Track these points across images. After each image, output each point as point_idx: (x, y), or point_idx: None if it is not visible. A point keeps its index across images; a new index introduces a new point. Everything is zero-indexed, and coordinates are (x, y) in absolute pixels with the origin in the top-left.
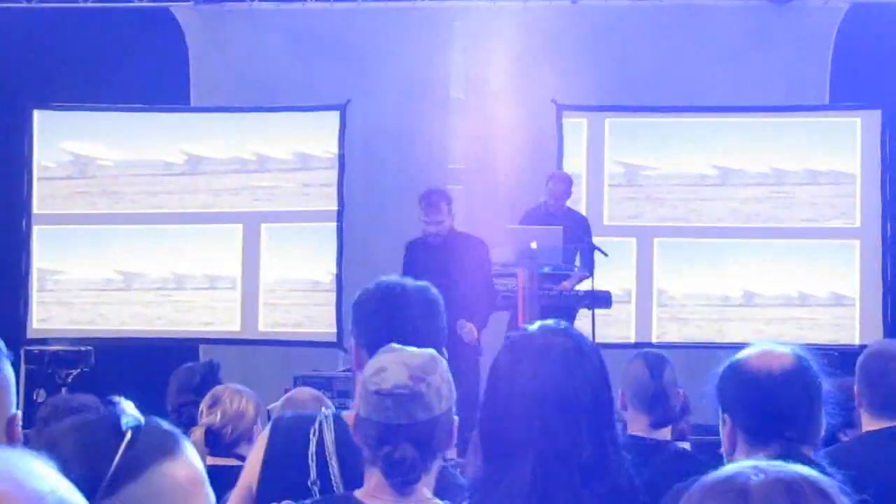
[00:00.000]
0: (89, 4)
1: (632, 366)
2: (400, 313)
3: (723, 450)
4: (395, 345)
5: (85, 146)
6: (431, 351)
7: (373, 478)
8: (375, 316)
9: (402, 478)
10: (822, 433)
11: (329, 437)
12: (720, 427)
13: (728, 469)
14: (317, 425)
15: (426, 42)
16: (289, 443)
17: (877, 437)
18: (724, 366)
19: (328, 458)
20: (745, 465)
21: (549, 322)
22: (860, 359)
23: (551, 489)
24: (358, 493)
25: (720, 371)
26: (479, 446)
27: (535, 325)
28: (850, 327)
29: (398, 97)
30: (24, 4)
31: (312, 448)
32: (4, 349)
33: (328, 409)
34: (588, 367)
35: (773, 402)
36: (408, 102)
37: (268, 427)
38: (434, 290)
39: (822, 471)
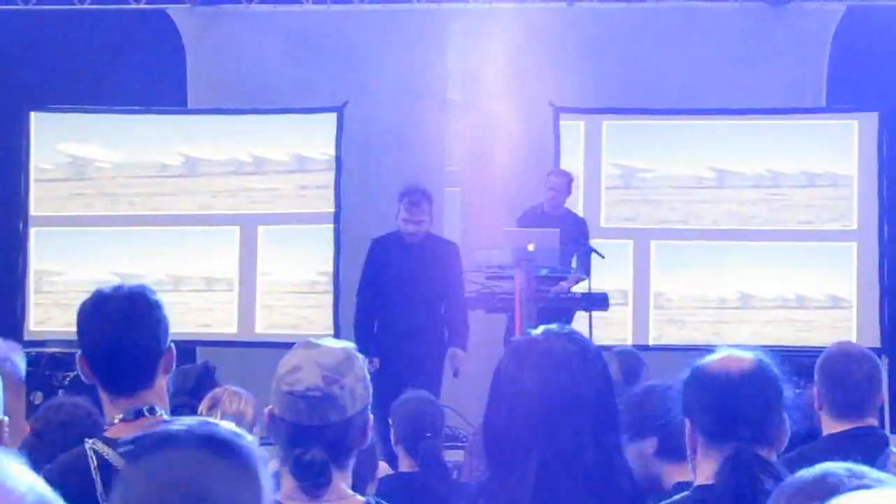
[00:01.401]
0: (86, 6)
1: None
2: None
3: (688, 454)
4: (312, 339)
5: (82, 148)
6: (348, 347)
7: (287, 479)
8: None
9: (311, 480)
10: (785, 438)
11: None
12: (685, 431)
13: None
14: (88, 450)
15: (423, 44)
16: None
17: (837, 439)
18: (687, 371)
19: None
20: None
21: (553, 326)
22: (820, 360)
23: (556, 493)
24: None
25: (683, 376)
26: (482, 449)
27: (539, 330)
28: (847, 330)
29: (395, 99)
30: (21, 6)
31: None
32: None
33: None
34: (592, 370)
35: (729, 402)
36: (405, 104)
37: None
38: (152, 297)
39: (777, 472)
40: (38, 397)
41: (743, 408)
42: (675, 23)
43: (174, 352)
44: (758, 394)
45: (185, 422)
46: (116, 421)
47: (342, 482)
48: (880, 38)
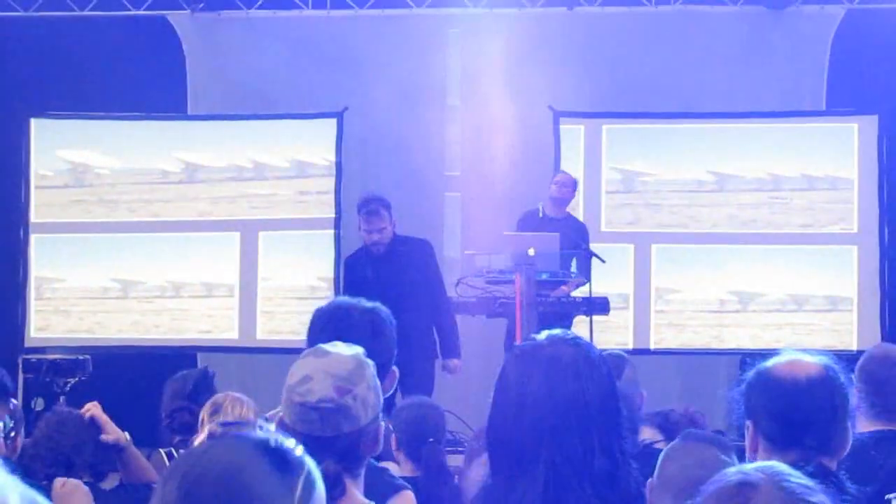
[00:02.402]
0: (86, 13)
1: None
2: (343, 335)
3: (746, 455)
4: (322, 346)
5: (82, 155)
6: (357, 353)
7: None
8: (321, 336)
9: (326, 492)
10: (848, 446)
11: None
12: (745, 433)
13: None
14: None
15: (423, 49)
16: None
17: (867, 437)
18: (752, 372)
19: None
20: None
21: (557, 331)
22: (861, 361)
23: (563, 498)
24: None
25: (748, 377)
26: (486, 455)
27: (543, 335)
28: (848, 333)
29: (395, 104)
30: (21, 13)
31: None
32: None
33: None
34: (597, 376)
35: (794, 408)
36: (404, 110)
37: None
38: (384, 311)
39: (839, 482)
40: (38, 404)
41: (810, 415)
42: (674, 27)
43: (395, 375)
44: (825, 402)
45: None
46: None
47: (355, 490)
48: (880, 42)
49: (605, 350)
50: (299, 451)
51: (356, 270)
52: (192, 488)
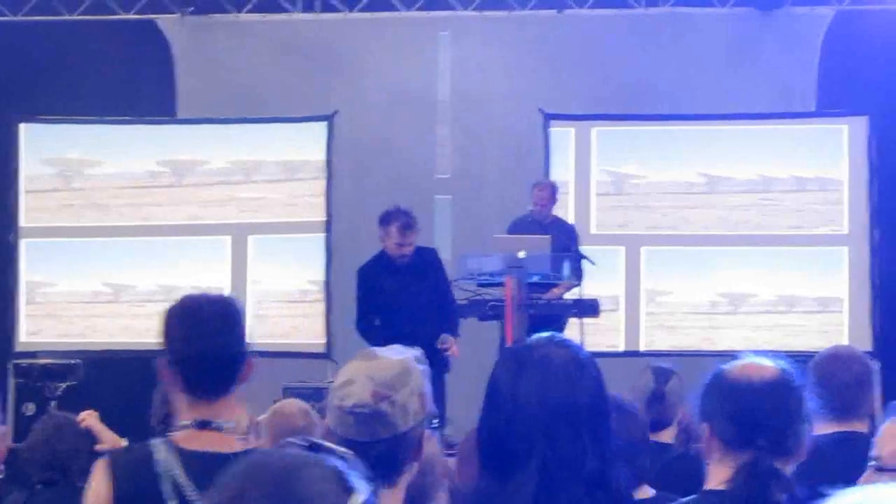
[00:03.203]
0: (75, 17)
1: (641, 375)
2: (193, 330)
3: (705, 458)
4: (373, 349)
5: (72, 159)
6: (406, 358)
7: None
8: (175, 333)
9: None
10: (804, 448)
11: (173, 463)
12: (702, 435)
13: None
14: (153, 452)
15: (413, 52)
16: (137, 474)
17: (821, 441)
18: (709, 376)
19: (181, 486)
20: None
21: (546, 334)
22: (812, 362)
23: (555, 499)
24: None
25: (705, 381)
26: (475, 458)
27: (533, 337)
28: (839, 334)
29: (385, 107)
30: (10, 17)
31: (159, 472)
32: None
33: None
34: (588, 377)
35: (748, 410)
36: (395, 112)
37: (103, 466)
38: (236, 301)
39: (790, 485)
40: (29, 408)
41: (763, 417)
42: (664, 29)
43: (253, 362)
44: (779, 404)
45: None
46: (189, 425)
47: (391, 499)
48: (869, 43)
49: (655, 364)
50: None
51: (372, 280)
52: (250, 483)
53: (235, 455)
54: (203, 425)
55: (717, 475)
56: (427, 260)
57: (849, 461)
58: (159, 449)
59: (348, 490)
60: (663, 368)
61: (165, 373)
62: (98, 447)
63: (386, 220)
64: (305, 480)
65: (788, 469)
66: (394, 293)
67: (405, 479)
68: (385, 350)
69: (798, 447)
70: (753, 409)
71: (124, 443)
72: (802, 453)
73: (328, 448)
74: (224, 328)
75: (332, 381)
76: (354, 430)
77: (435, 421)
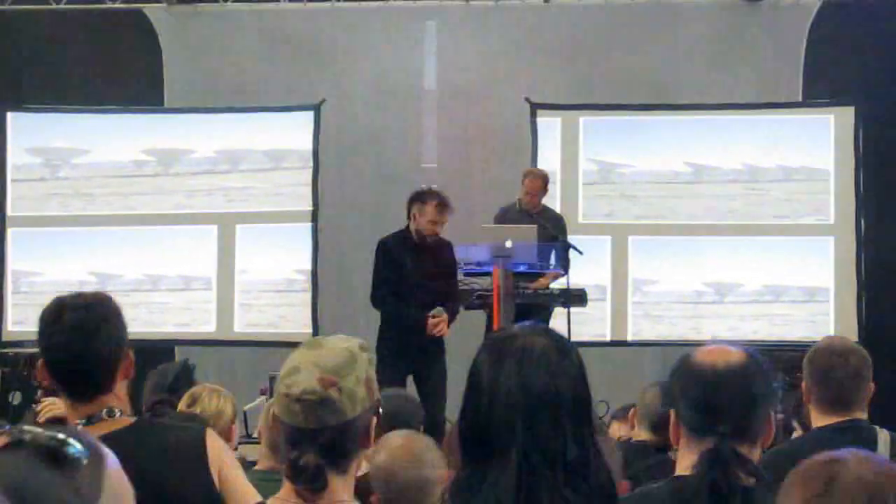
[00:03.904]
0: (62, 7)
1: (647, 392)
2: (58, 335)
3: (672, 443)
4: (319, 337)
5: (58, 148)
6: (352, 345)
7: (285, 482)
8: (47, 337)
9: (305, 484)
10: (771, 434)
11: None
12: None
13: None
14: None
15: (400, 41)
16: None
17: (827, 432)
18: (676, 362)
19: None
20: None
21: (528, 322)
22: (808, 355)
23: (537, 487)
24: (271, 500)
25: (672, 367)
26: (457, 447)
27: (515, 326)
28: (825, 323)
29: (372, 97)
30: None
31: None
32: None
33: None
34: (569, 366)
35: (711, 396)
36: (381, 102)
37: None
38: (106, 300)
39: (755, 469)
40: (16, 398)
41: (725, 402)
42: (651, 19)
43: (132, 357)
44: (742, 389)
45: (33, 430)
46: (78, 425)
47: (342, 486)
48: (855, 33)
49: (664, 381)
50: (79, 442)
51: (393, 255)
52: None
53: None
54: (95, 419)
55: (684, 461)
56: (445, 248)
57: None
58: None
59: (73, 470)
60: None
61: (42, 371)
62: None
63: (421, 197)
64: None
65: (755, 454)
66: (410, 271)
67: (354, 467)
68: (331, 338)
69: (765, 432)
70: (716, 395)
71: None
72: (770, 438)
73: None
74: (83, 334)
75: (282, 372)
76: (302, 418)
77: None
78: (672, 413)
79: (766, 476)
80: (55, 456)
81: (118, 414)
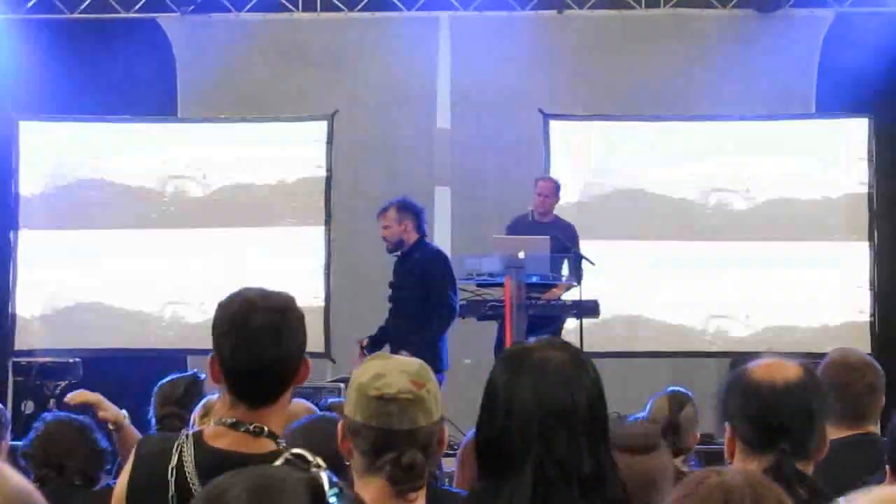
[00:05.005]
0: (76, 15)
1: (656, 400)
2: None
3: (725, 457)
4: (383, 353)
5: (72, 157)
6: (419, 360)
7: (371, 486)
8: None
9: (410, 483)
10: (825, 449)
11: (188, 455)
12: (724, 435)
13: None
14: (177, 443)
15: (413, 52)
16: (154, 462)
17: (838, 445)
18: (731, 375)
19: (188, 476)
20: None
21: (545, 336)
22: (820, 368)
23: (552, 502)
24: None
25: (727, 380)
26: (472, 460)
27: (531, 339)
28: (837, 334)
29: (385, 107)
30: (11, 15)
31: (172, 463)
32: None
33: (187, 430)
34: (586, 379)
35: (771, 412)
36: (395, 112)
37: (135, 447)
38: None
39: (816, 487)
40: (29, 406)
41: (786, 420)
42: (664, 30)
43: (309, 364)
44: (802, 406)
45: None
46: (223, 422)
47: (421, 492)
48: (869, 44)
49: (671, 388)
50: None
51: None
52: (231, 487)
53: (253, 456)
54: (235, 426)
55: None
56: (420, 263)
57: (864, 463)
58: (184, 441)
59: (319, 502)
60: (679, 394)
61: (213, 368)
62: (100, 416)
63: (418, 209)
64: (280, 489)
65: (809, 469)
66: (393, 283)
67: (432, 473)
68: (393, 355)
69: (820, 449)
70: (777, 412)
71: (124, 413)
72: (823, 453)
73: (308, 459)
74: (274, 343)
75: (333, 380)
76: (397, 419)
77: None
78: (728, 427)
79: (827, 491)
80: (316, 494)
81: (257, 429)
